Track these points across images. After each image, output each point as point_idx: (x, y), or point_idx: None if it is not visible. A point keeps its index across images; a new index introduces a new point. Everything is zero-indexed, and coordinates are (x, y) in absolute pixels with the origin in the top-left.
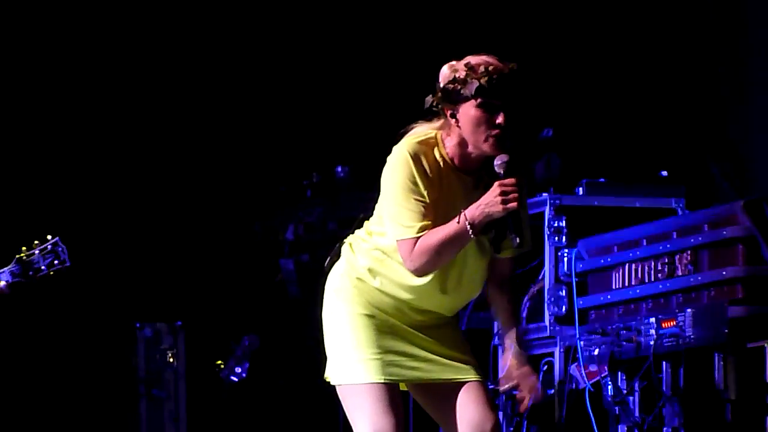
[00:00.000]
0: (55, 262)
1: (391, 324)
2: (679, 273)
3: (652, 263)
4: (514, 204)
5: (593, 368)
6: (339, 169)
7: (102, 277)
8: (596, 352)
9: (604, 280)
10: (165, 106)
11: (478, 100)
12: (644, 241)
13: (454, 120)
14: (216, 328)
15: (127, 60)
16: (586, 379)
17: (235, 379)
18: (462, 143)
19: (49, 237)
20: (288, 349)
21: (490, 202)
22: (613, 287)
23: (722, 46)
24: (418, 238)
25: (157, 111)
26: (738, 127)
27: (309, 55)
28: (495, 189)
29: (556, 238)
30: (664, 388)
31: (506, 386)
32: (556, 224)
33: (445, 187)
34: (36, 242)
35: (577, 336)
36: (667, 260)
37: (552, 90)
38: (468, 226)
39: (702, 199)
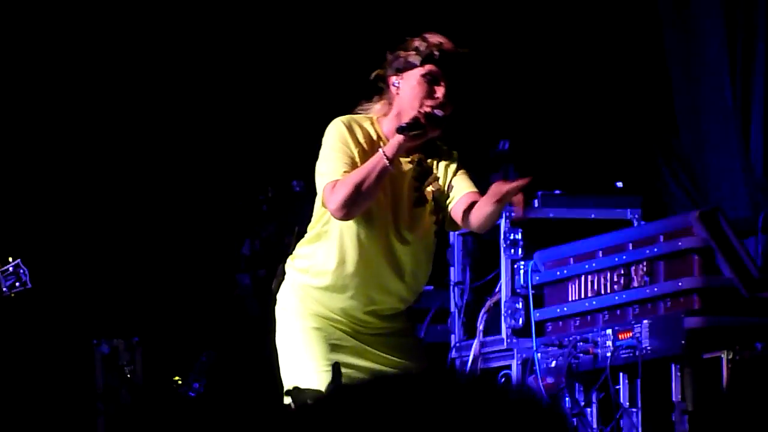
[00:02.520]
0: (17, 284)
1: (339, 337)
2: (635, 284)
3: (608, 275)
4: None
5: (551, 380)
6: (295, 183)
7: (58, 294)
8: (553, 364)
9: (560, 292)
10: (119, 123)
11: (425, 68)
12: (600, 252)
13: (396, 89)
14: (173, 343)
15: (82, 82)
16: (543, 391)
17: (193, 394)
18: (399, 117)
19: (10, 259)
20: (245, 365)
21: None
22: (570, 299)
23: (675, 61)
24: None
25: (111, 128)
26: (690, 139)
27: (264, 71)
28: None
29: (512, 251)
30: (621, 400)
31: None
32: (511, 237)
33: None
34: None
35: (534, 348)
36: (623, 272)
37: (506, 102)
38: (381, 152)
39: (657, 210)
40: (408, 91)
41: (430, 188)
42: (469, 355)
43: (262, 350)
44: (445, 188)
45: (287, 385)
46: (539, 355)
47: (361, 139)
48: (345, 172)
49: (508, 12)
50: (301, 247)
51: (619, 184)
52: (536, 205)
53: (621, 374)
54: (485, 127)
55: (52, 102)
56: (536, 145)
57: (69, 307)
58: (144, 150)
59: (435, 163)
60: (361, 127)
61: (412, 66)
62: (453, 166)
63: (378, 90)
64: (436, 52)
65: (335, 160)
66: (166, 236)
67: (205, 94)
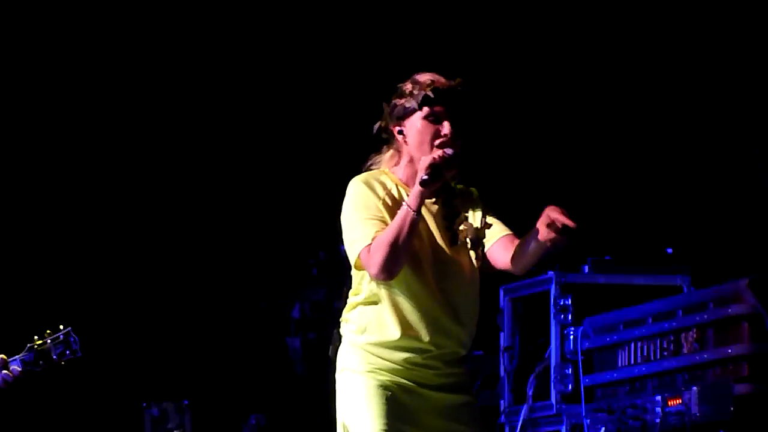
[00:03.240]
0: (67, 352)
1: (402, 396)
2: (685, 351)
3: (658, 341)
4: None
5: None
6: (343, 247)
7: (109, 357)
8: (603, 430)
9: (610, 358)
10: (171, 185)
11: (424, 111)
12: (650, 318)
13: (402, 137)
14: (223, 406)
15: (139, 141)
16: None
17: None
18: (411, 163)
19: (61, 327)
20: (295, 428)
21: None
22: (619, 365)
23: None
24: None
25: (162, 190)
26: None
27: (313, 132)
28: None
29: (562, 316)
30: None
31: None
32: (561, 302)
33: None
34: (48, 331)
35: (584, 414)
36: (672, 338)
37: (556, 167)
38: (406, 206)
39: (708, 276)
40: (415, 136)
41: (462, 227)
42: (518, 421)
43: (311, 413)
44: (478, 226)
45: None
46: (588, 420)
47: (382, 194)
48: (376, 232)
49: (569, 77)
50: (352, 313)
51: (670, 251)
52: (587, 270)
53: None
54: (538, 192)
55: (103, 164)
56: (586, 211)
57: (119, 370)
58: (194, 212)
59: (459, 202)
60: (379, 182)
61: (412, 111)
62: (479, 205)
63: (383, 140)
64: (431, 92)
65: (363, 223)
66: (217, 299)
67: (257, 158)
